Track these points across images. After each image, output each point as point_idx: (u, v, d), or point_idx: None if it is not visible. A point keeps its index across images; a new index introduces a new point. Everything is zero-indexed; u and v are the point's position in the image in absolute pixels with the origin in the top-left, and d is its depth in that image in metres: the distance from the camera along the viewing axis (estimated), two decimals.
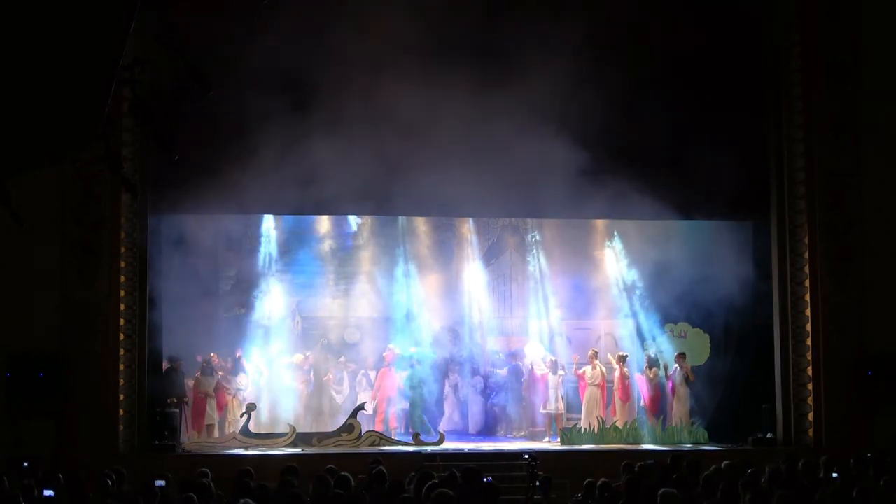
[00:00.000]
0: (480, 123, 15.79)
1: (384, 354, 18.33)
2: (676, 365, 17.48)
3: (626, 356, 17.97)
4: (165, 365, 16.79)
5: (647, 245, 18.50)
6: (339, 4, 15.93)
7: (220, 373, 17.31)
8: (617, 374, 17.67)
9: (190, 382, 16.98)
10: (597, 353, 18.02)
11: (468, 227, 19.90)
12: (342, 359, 18.55)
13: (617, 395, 17.63)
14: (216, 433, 16.90)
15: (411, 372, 18.09)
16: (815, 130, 16.71)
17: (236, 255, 18.60)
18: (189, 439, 16.48)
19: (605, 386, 17.76)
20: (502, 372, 18.63)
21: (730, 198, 17.00)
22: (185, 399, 16.67)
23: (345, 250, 19.47)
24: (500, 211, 18.22)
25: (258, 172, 15.59)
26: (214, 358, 17.50)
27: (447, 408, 18.69)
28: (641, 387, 17.81)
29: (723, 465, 10.64)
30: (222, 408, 17.24)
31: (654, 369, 17.56)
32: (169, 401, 16.24)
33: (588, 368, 17.73)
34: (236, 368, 17.61)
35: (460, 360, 19.33)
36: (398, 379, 18.07)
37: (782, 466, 10.71)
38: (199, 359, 17.28)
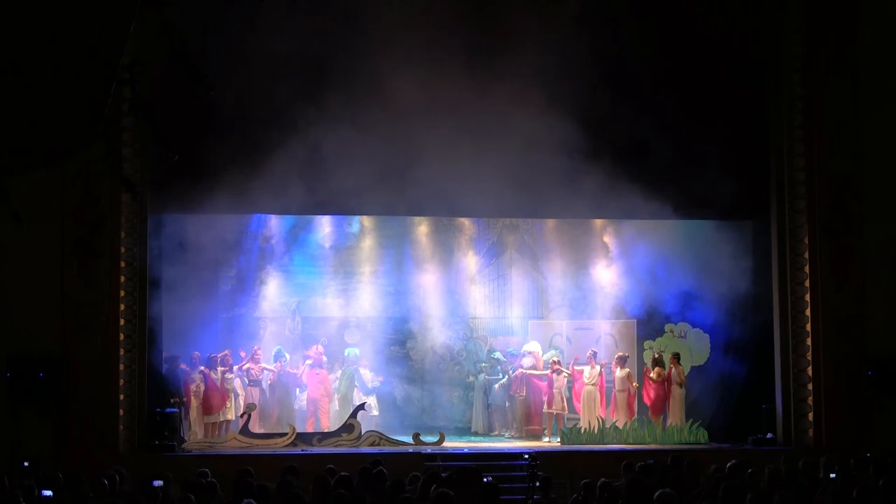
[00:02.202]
0: (481, 123, 15.79)
1: (310, 353, 18.19)
2: (671, 366, 17.47)
3: (627, 356, 17.97)
4: (165, 365, 16.78)
5: (646, 245, 18.49)
6: (340, 3, 15.96)
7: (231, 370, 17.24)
8: (619, 374, 17.63)
9: (195, 376, 16.88)
10: (595, 353, 17.98)
11: (468, 227, 19.89)
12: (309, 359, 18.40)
13: (622, 397, 17.59)
14: (224, 431, 16.86)
15: (341, 371, 18.02)
16: (815, 130, 16.71)
17: (236, 255, 18.58)
18: (190, 439, 16.45)
19: (603, 386, 17.75)
20: (502, 380, 18.57)
21: (730, 197, 16.99)
22: (184, 399, 16.64)
23: (345, 250, 19.45)
24: (500, 211, 18.21)
25: (258, 172, 15.60)
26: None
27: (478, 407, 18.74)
28: (646, 386, 17.77)
29: (726, 467, 10.63)
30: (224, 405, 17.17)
31: (657, 368, 17.53)
32: (173, 400, 16.22)
33: (587, 368, 17.73)
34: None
35: (460, 359, 19.35)
36: (328, 378, 17.98)
37: (782, 467, 10.71)
38: (220, 355, 17.17)
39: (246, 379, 17.39)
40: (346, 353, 18.36)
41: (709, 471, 10.41)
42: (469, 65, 15.57)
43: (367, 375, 18.24)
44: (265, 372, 17.55)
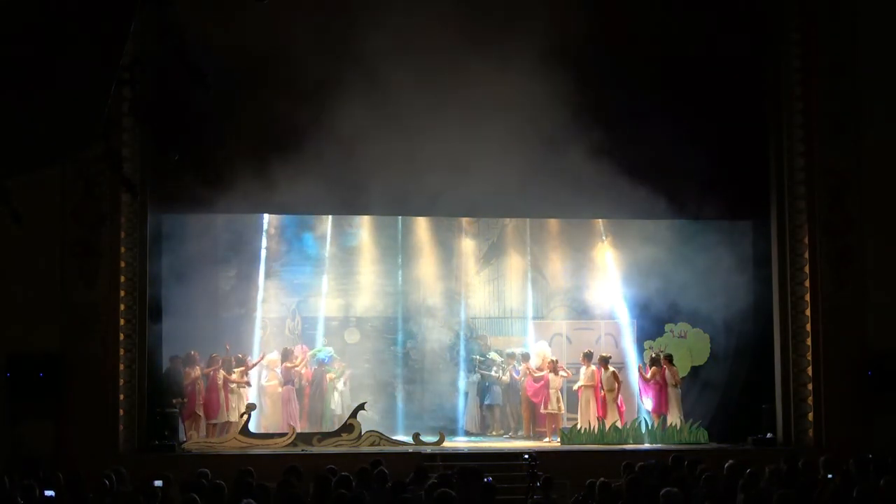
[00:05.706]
0: (481, 123, 15.79)
1: (296, 353, 18.13)
2: (664, 367, 17.44)
3: (609, 357, 17.88)
4: (166, 365, 16.77)
5: (646, 245, 18.45)
6: (340, 3, 15.98)
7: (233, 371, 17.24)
8: (604, 375, 17.56)
9: (194, 373, 16.82)
10: (590, 354, 17.91)
11: (468, 227, 19.88)
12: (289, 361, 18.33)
13: (609, 397, 17.56)
14: (227, 430, 16.84)
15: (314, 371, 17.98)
16: (815, 130, 16.71)
17: (236, 255, 18.58)
18: (189, 439, 16.43)
19: (598, 387, 17.72)
20: (504, 378, 18.57)
21: (729, 197, 17.00)
22: (186, 400, 16.62)
23: (345, 250, 19.45)
24: (500, 211, 18.22)
25: (258, 172, 15.59)
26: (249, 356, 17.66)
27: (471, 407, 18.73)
28: (644, 386, 17.75)
29: (725, 467, 10.64)
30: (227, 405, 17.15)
31: (653, 368, 17.52)
32: (175, 401, 16.20)
33: (581, 368, 17.70)
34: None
35: (460, 359, 19.35)
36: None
37: (783, 466, 10.72)
38: (229, 349, 17.17)
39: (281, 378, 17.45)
40: (314, 354, 18.27)
41: (709, 471, 10.40)
42: (469, 65, 15.55)
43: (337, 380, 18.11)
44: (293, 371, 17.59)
